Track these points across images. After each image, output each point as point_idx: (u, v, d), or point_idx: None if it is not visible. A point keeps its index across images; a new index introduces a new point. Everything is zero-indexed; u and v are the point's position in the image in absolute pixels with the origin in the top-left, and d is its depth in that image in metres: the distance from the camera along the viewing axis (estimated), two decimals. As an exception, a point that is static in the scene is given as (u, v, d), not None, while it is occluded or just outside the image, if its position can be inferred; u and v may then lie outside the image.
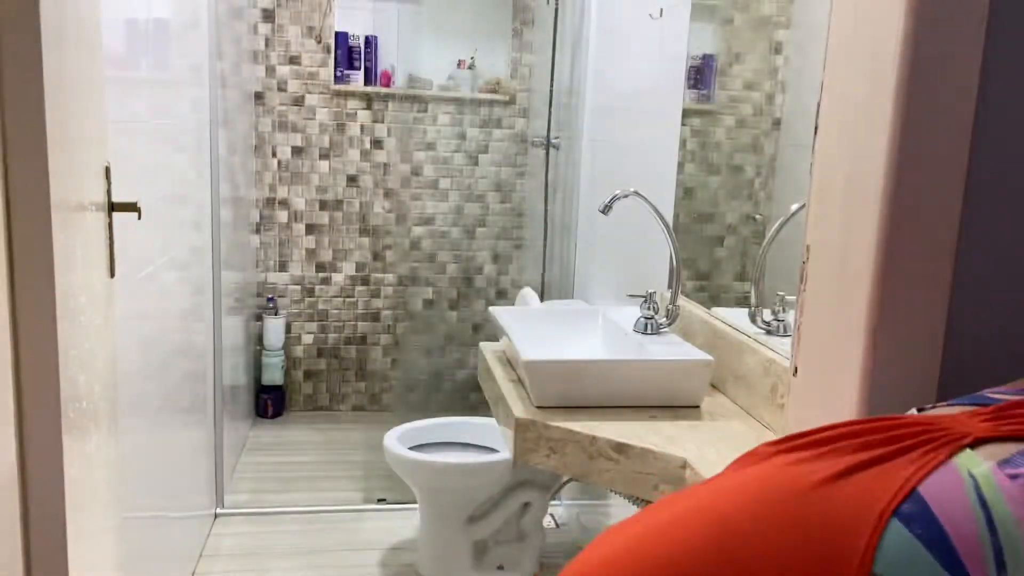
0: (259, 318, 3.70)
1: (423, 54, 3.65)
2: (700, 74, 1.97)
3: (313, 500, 2.87)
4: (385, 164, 3.71)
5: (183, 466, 2.38)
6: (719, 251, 1.91)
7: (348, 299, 3.77)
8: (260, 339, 3.70)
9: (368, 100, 3.66)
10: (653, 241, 2.17)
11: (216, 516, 2.87)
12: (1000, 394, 0.52)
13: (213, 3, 2.69)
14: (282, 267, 3.72)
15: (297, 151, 3.66)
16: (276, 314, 3.71)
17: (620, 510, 2.40)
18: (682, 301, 1.93)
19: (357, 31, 3.59)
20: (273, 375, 3.71)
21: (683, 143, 2.03)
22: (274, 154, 3.64)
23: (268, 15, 3.55)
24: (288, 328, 3.77)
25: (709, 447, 1.40)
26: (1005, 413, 0.49)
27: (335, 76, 3.60)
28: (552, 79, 3.23)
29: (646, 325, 1.82)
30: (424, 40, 3.65)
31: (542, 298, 3.26)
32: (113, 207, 1.38)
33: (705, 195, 1.94)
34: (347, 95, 3.64)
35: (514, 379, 1.75)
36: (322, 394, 3.82)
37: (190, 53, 2.45)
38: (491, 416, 2.72)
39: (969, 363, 0.62)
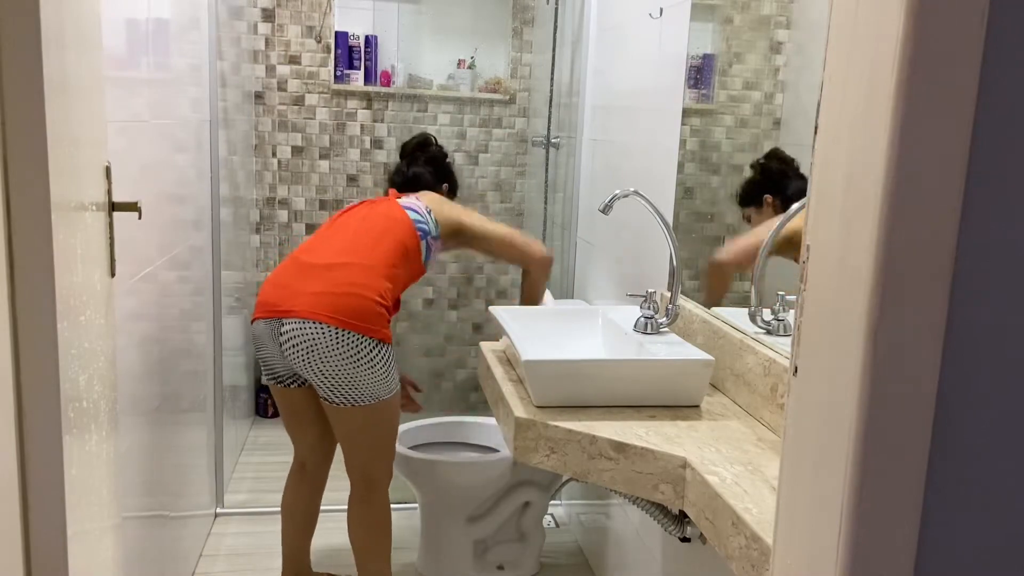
0: (259, 318, 3.69)
1: (423, 54, 3.65)
2: (700, 74, 1.97)
3: (313, 500, 2.87)
4: (385, 164, 3.71)
5: (183, 466, 2.38)
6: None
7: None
8: (260, 339, 3.70)
9: (368, 100, 3.66)
10: (653, 241, 2.17)
11: (216, 516, 2.87)
12: None
13: (213, 3, 2.69)
14: (282, 267, 3.71)
15: (297, 151, 3.66)
16: (276, 314, 3.71)
17: (620, 510, 2.40)
18: (682, 300, 1.93)
19: (357, 31, 3.59)
20: (273, 375, 3.70)
21: (683, 143, 2.03)
22: (274, 154, 3.64)
23: (268, 15, 3.55)
24: (288, 328, 3.76)
25: (709, 447, 1.40)
26: None
27: (335, 76, 3.60)
28: (552, 79, 3.23)
29: (646, 325, 1.83)
30: (424, 40, 3.65)
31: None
32: (113, 207, 1.38)
33: (705, 195, 1.94)
34: (347, 95, 3.64)
35: (514, 379, 1.75)
36: (322, 394, 3.82)
37: (190, 53, 2.45)
38: (491, 416, 2.72)
39: (970, 363, 0.62)
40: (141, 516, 1.94)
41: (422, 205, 2.29)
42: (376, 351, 2.09)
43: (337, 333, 2.04)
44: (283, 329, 2.08)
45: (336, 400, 2.10)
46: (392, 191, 2.44)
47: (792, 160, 1.63)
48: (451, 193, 2.53)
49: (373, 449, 2.20)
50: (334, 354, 2.05)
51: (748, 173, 1.77)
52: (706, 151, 1.93)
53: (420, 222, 2.26)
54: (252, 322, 2.18)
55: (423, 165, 2.48)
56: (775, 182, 1.68)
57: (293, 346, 2.07)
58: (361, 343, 2.06)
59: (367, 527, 2.28)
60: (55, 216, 1.09)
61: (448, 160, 2.55)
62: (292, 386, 2.22)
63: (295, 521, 2.39)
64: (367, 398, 2.10)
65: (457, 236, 2.35)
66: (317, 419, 2.28)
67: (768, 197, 1.68)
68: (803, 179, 1.57)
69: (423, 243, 2.25)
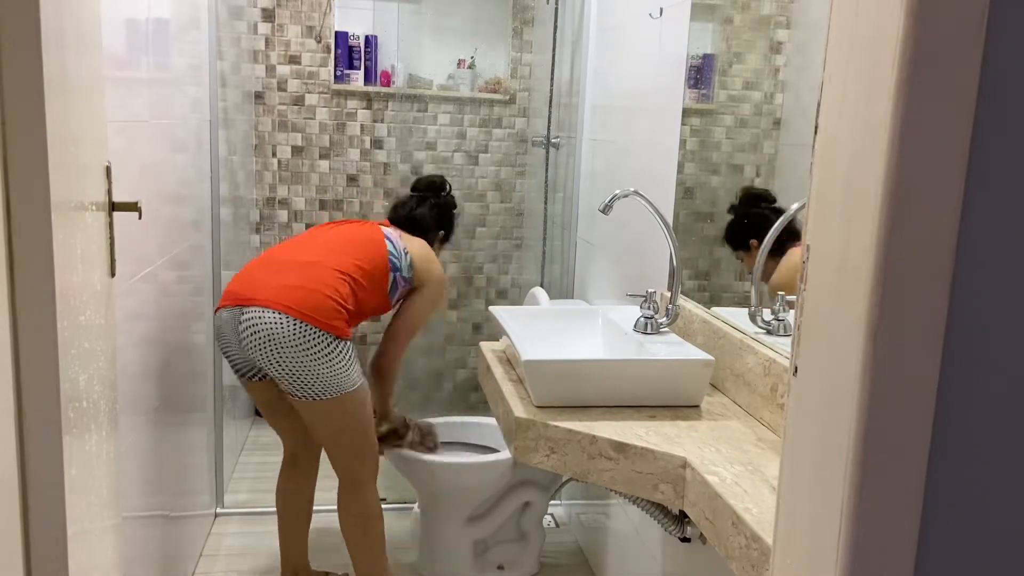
0: (259, 318, 3.69)
1: (423, 54, 3.65)
2: (700, 74, 1.97)
3: (314, 500, 2.87)
4: (385, 164, 3.71)
5: (183, 466, 2.38)
6: (719, 251, 1.91)
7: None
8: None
9: (368, 100, 3.66)
10: (653, 241, 2.17)
11: (216, 516, 2.87)
12: None
13: (213, 3, 2.69)
14: (282, 267, 3.71)
15: (297, 151, 3.66)
16: (276, 314, 3.71)
17: (620, 510, 2.40)
18: (682, 300, 1.93)
19: (357, 31, 3.59)
20: (273, 375, 3.70)
21: (683, 143, 2.03)
22: (274, 154, 3.64)
23: (268, 15, 3.55)
24: (288, 328, 3.76)
25: (709, 447, 1.40)
26: None
27: (335, 76, 3.60)
28: (552, 79, 3.23)
29: (646, 325, 1.83)
30: (424, 40, 3.65)
31: (542, 298, 3.26)
32: (114, 206, 1.38)
33: (705, 195, 1.94)
34: (347, 95, 3.64)
35: (514, 379, 1.75)
36: (322, 394, 3.81)
37: (190, 53, 2.45)
38: (491, 416, 2.72)
39: (970, 363, 0.62)
40: (141, 516, 1.94)
41: (402, 245, 2.32)
42: (333, 346, 2.10)
43: (296, 325, 2.05)
44: (243, 317, 2.09)
45: (300, 394, 2.11)
46: (386, 221, 2.47)
47: (768, 195, 1.66)
48: (445, 239, 2.56)
49: (349, 443, 2.22)
50: (291, 345, 2.06)
51: (728, 217, 1.80)
52: (706, 151, 1.93)
53: (393, 255, 2.28)
54: (215, 312, 2.19)
55: (429, 209, 2.49)
56: (755, 224, 1.70)
57: (252, 335, 2.08)
58: (319, 337, 2.07)
59: (356, 521, 2.30)
60: (55, 216, 1.09)
61: (455, 211, 2.58)
62: (255, 379, 2.23)
63: (291, 513, 2.41)
64: (330, 391, 2.11)
65: (410, 294, 2.37)
66: (293, 410, 2.29)
67: (753, 241, 1.70)
68: (779, 213, 1.59)
69: (392, 275, 2.27)
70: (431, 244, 2.46)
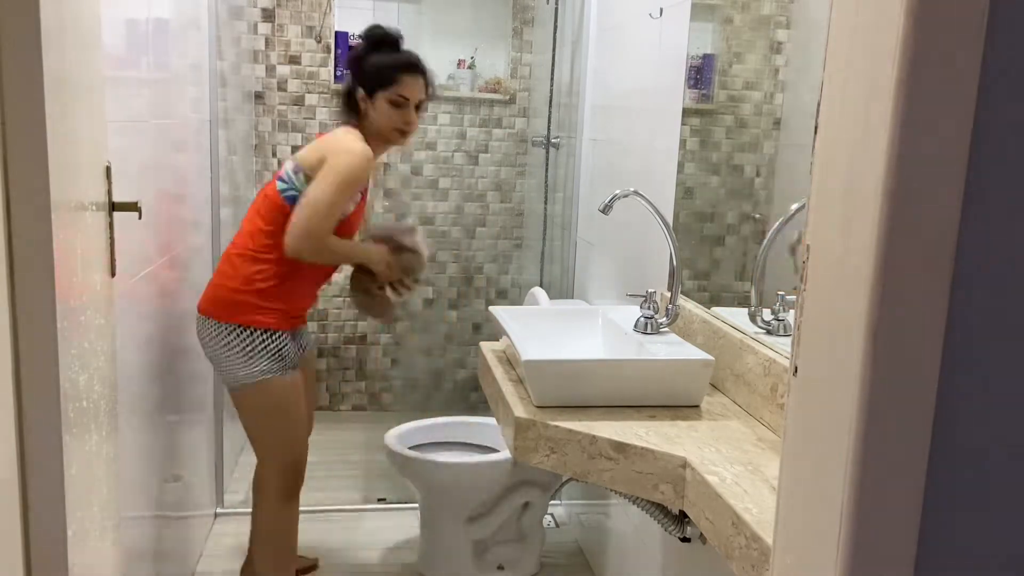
0: (259, 318, 3.69)
1: (423, 54, 3.64)
2: (700, 74, 1.97)
3: (313, 500, 2.87)
4: (385, 164, 3.71)
5: (183, 466, 2.38)
6: (719, 251, 1.91)
7: (348, 298, 3.76)
8: (260, 339, 3.69)
9: (368, 100, 3.65)
10: (653, 241, 2.17)
11: (216, 516, 2.87)
12: None
13: (213, 3, 2.69)
14: (282, 267, 3.70)
15: (297, 151, 3.66)
16: (276, 314, 3.70)
17: (620, 510, 2.40)
18: (682, 300, 1.93)
19: (357, 31, 3.59)
20: (273, 375, 3.70)
21: (683, 143, 2.03)
22: (274, 154, 3.64)
23: (268, 15, 3.55)
24: (288, 328, 3.75)
25: (709, 447, 1.40)
26: None
27: (335, 76, 3.60)
28: (552, 79, 3.23)
29: (646, 325, 1.83)
30: (424, 40, 3.65)
31: (542, 298, 3.26)
32: (114, 206, 1.38)
33: (705, 195, 1.94)
34: (347, 95, 3.64)
35: (514, 379, 1.75)
36: (322, 394, 3.82)
37: (190, 53, 2.45)
38: (491, 416, 2.72)
39: (970, 363, 0.62)
40: (141, 516, 1.94)
41: (292, 165, 2.10)
42: (232, 336, 2.10)
43: (201, 321, 2.17)
44: None
45: (225, 384, 2.21)
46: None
47: None
48: (373, 92, 2.21)
49: (254, 442, 2.23)
50: (201, 339, 2.18)
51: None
52: (706, 151, 1.93)
53: (287, 189, 2.08)
54: None
55: (344, 87, 2.26)
56: None
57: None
58: (217, 329, 2.12)
59: (255, 530, 2.31)
60: (55, 216, 1.09)
61: (368, 59, 2.23)
62: None
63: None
64: (231, 381, 2.15)
65: None
66: None
67: None
68: None
69: (292, 208, 2.06)
70: (360, 116, 2.21)
